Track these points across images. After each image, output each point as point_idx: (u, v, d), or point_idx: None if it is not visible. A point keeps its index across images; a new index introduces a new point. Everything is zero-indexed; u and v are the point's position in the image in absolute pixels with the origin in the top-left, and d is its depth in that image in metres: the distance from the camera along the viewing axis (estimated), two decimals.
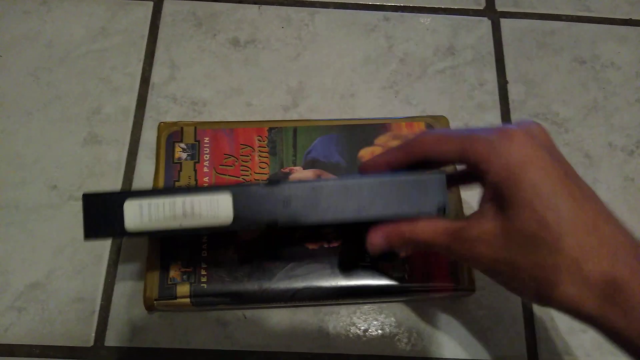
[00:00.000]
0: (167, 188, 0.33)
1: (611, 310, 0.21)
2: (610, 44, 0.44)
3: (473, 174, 0.25)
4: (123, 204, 0.26)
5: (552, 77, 0.43)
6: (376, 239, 0.27)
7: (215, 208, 0.26)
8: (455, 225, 0.25)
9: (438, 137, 0.25)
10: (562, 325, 0.35)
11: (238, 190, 0.26)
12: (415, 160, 0.26)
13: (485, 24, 0.44)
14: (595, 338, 0.35)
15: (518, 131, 0.24)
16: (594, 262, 0.21)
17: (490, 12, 0.45)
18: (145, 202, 0.26)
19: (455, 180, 0.30)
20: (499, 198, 0.23)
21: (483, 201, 0.25)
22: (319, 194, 0.26)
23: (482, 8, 0.45)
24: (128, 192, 0.27)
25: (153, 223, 0.26)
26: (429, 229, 0.25)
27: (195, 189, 0.28)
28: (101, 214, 0.26)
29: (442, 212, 0.26)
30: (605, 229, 0.22)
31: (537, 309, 0.35)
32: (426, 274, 0.32)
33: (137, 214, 0.26)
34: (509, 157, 0.23)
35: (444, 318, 0.35)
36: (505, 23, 0.45)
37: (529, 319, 0.35)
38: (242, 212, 0.26)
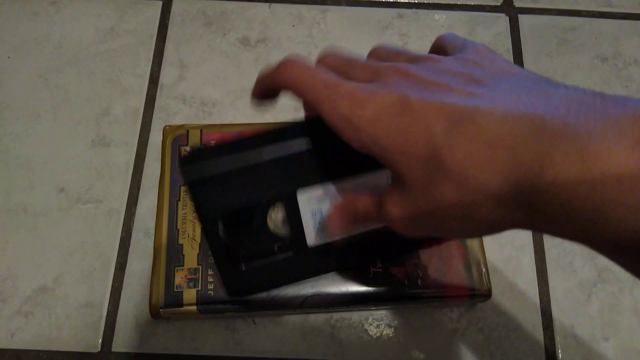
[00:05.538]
0: None
1: None
2: (633, 41, 0.42)
3: None
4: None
5: (573, 75, 0.41)
6: (334, 222, 0.24)
7: None
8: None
9: (300, 81, 0.22)
10: (583, 333, 0.34)
11: None
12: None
13: (503, 20, 0.43)
14: (619, 346, 0.33)
15: (381, 92, 0.20)
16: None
17: (509, 8, 0.43)
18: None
19: None
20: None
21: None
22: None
23: (499, 4, 0.44)
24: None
25: None
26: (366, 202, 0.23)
27: None
28: None
29: None
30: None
31: (557, 315, 0.34)
32: (440, 280, 0.31)
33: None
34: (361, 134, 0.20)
35: (459, 324, 0.34)
36: (524, 19, 0.43)
37: (548, 326, 0.34)
38: None
